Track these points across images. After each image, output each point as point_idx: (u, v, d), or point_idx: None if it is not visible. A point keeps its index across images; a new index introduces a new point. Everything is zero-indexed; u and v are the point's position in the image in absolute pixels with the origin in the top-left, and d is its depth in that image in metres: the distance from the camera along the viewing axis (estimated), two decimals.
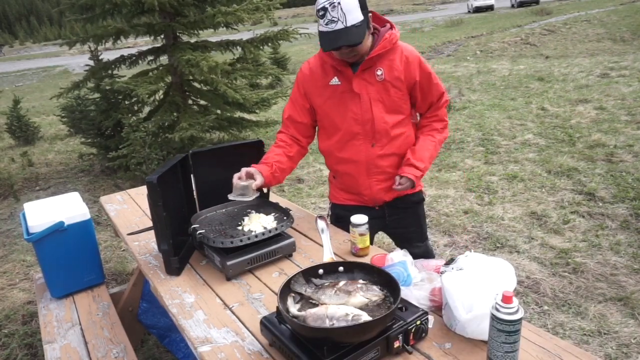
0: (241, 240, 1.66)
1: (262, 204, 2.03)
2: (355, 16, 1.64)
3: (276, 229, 1.75)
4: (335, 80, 1.87)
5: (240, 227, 1.81)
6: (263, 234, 1.71)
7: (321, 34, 1.70)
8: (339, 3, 1.62)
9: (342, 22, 1.64)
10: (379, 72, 1.83)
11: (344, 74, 1.85)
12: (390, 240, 2.29)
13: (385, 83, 1.84)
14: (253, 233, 1.72)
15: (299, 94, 1.98)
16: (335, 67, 1.85)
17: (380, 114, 1.86)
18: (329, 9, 1.64)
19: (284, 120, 2.04)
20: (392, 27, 1.86)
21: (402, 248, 1.61)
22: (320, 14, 1.66)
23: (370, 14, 1.75)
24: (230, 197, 1.78)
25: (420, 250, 2.10)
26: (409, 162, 1.90)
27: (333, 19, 1.64)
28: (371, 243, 1.88)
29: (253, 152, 2.06)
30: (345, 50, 1.73)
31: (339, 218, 2.09)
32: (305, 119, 1.99)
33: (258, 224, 1.81)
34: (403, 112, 1.91)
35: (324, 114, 1.95)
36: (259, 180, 1.79)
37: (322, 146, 2.04)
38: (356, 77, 1.83)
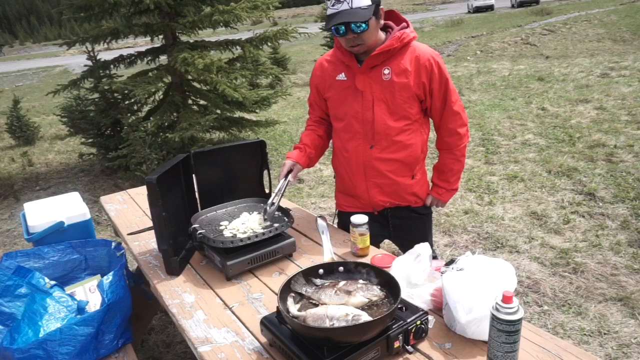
0: (241, 241, 1.66)
1: (262, 204, 2.03)
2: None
3: (276, 229, 1.75)
4: (342, 76, 1.86)
5: (222, 227, 1.81)
6: (263, 234, 1.70)
7: (328, 16, 1.70)
8: None
9: (348, 3, 1.63)
10: (386, 72, 1.77)
11: (350, 69, 1.82)
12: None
13: (392, 83, 1.77)
14: (253, 233, 1.72)
15: (312, 86, 2.02)
16: (344, 62, 1.83)
17: (381, 114, 1.80)
18: None
19: (309, 106, 2.11)
20: (408, 26, 1.81)
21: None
22: None
23: (381, 7, 1.73)
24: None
25: None
26: (433, 182, 2.01)
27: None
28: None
29: (255, 152, 2.06)
30: (350, 36, 1.69)
31: (343, 225, 2.08)
32: (323, 106, 2.03)
33: (240, 224, 1.81)
34: (410, 117, 1.83)
35: (331, 109, 1.96)
36: (295, 171, 1.90)
37: (333, 142, 2.06)
38: (360, 74, 1.79)
